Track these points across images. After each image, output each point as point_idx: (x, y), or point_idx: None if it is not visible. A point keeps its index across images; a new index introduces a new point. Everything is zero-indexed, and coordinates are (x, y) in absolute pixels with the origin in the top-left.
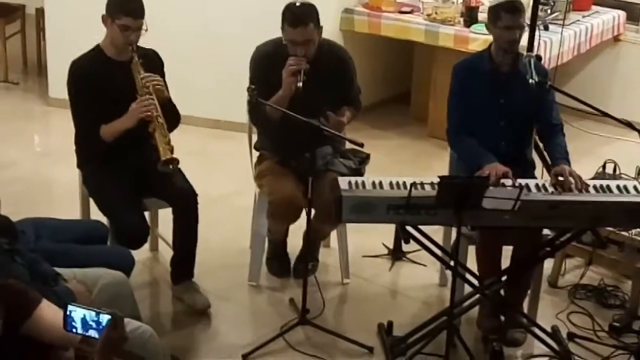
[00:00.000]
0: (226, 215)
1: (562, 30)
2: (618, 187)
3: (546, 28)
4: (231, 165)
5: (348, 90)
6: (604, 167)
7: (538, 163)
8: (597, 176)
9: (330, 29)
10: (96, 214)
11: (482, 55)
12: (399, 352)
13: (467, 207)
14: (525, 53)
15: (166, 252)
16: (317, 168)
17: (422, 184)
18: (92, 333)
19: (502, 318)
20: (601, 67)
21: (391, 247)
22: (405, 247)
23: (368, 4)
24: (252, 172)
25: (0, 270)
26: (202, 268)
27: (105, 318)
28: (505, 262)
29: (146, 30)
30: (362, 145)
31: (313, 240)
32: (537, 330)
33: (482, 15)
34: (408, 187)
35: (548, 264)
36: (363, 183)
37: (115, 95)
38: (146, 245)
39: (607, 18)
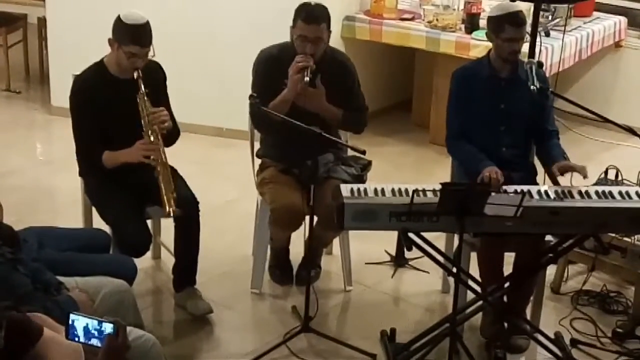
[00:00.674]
0: (229, 223)
1: (563, 37)
2: (620, 193)
3: (547, 34)
4: (234, 173)
5: (350, 97)
6: (606, 173)
7: (540, 169)
8: (599, 182)
9: (332, 36)
10: (98, 223)
11: (481, 61)
12: (402, 359)
13: (469, 214)
14: (526, 59)
15: (168, 260)
16: (319, 175)
17: (424, 190)
18: (95, 342)
19: (505, 325)
20: (603, 73)
21: (393, 254)
22: (407, 254)
23: (369, 12)
24: (254, 180)
25: (3, 280)
26: (204, 276)
27: (108, 327)
28: (507, 269)
29: (153, 55)
30: (364, 152)
31: (315, 247)
32: (540, 337)
33: (483, 22)
34: (410, 194)
35: (551, 270)
36: (365, 190)
37: (117, 114)
38: (148, 254)
39: (608, 24)
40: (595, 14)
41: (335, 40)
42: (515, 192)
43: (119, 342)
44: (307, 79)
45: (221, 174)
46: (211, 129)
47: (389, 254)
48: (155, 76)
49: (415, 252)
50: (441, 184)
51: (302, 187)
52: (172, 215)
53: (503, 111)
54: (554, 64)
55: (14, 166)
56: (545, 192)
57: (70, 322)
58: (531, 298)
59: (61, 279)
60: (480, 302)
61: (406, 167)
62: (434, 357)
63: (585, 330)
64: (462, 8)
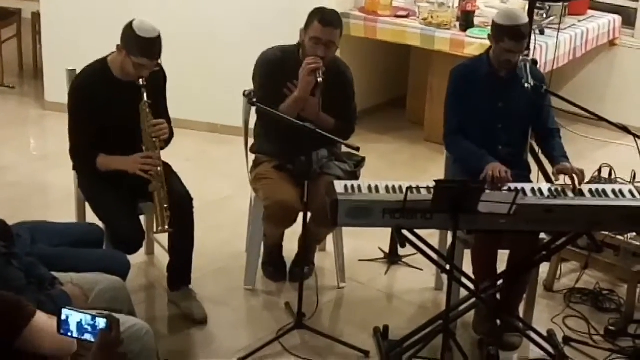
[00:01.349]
0: (222, 219)
1: (557, 35)
2: (614, 191)
3: (542, 32)
4: (228, 170)
5: (343, 105)
6: (599, 171)
7: (533, 167)
8: (593, 180)
9: None
10: (92, 218)
11: (481, 58)
12: (395, 356)
13: (463, 211)
14: (521, 57)
15: (162, 256)
16: (313, 171)
17: (418, 188)
18: (88, 337)
19: (498, 322)
20: (597, 71)
21: (387, 251)
22: (401, 251)
23: (364, 9)
24: (248, 176)
25: None
26: (198, 272)
27: (101, 322)
28: (501, 266)
29: (160, 65)
30: (358, 149)
31: (309, 244)
32: (532, 334)
33: (478, 20)
34: (404, 191)
35: (544, 268)
36: (359, 187)
37: (115, 116)
38: (142, 249)
39: (602, 22)
40: (590, 12)
41: None
42: (509, 189)
43: (112, 337)
44: (319, 79)
45: (215, 171)
46: (205, 125)
47: (382, 251)
48: (156, 77)
49: (408, 249)
50: (435, 181)
51: (296, 183)
52: (163, 232)
53: (501, 109)
54: (548, 62)
55: (7, 161)
56: (539, 189)
57: (63, 317)
58: (524, 295)
59: (56, 274)
60: (473, 300)
61: (400, 164)
62: (427, 354)
63: (577, 328)
64: (457, 6)
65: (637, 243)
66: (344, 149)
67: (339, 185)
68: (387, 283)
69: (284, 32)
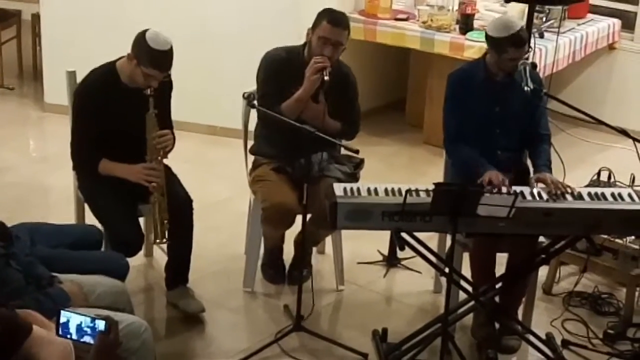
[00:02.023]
0: (221, 221)
1: (557, 38)
2: (613, 194)
3: (541, 36)
4: (227, 172)
5: (347, 107)
6: (598, 174)
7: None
8: (592, 184)
9: None
10: (91, 219)
11: (478, 63)
12: (394, 359)
13: (462, 214)
14: (520, 61)
15: (161, 258)
16: (312, 174)
17: (417, 190)
18: (87, 339)
19: (497, 325)
20: (596, 75)
21: (386, 253)
22: (400, 254)
23: (364, 11)
24: (247, 178)
25: None
26: (197, 274)
27: (100, 324)
28: (499, 269)
29: (169, 76)
30: (357, 151)
31: (306, 246)
32: (531, 338)
33: (478, 23)
34: (403, 193)
35: (543, 271)
36: (358, 190)
37: (119, 121)
38: (141, 251)
39: (602, 26)
40: (590, 15)
41: None
42: (508, 192)
43: (110, 339)
44: (326, 78)
45: (214, 173)
46: (205, 128)
47: (381, 253)
48: (163, 85)
49: (407, 252)
50: (434, 184)
51: (295, 185)
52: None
53: (498, 114)
54: (548, 66)
55: (6, 163)
56: (538, 193)
57: (63, 320)
58: (523, 299)
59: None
60: (472, 303)
61: (399, 167)
62: (426, 357)
63: (576, 331)
64: (457, 9)
65: (636, 246)
66: (343, 151)
67: (338, 188)
68: (386, 286)
69: (284, 34)
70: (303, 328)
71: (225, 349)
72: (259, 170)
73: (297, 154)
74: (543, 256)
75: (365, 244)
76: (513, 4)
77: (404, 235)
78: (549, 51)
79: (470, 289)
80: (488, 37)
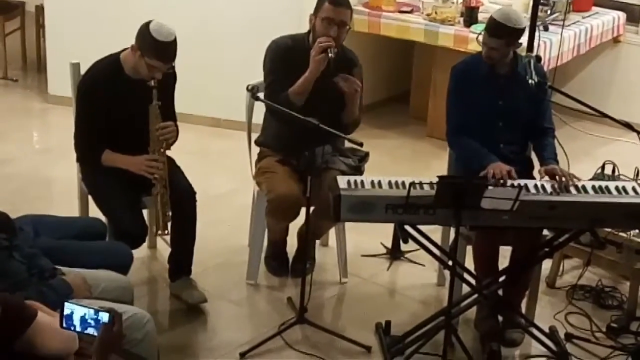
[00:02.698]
0: (225, 214)
1: (562, 31)
2: (617, 188)
3: (546, 29)
4: (231, 164)
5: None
6: (602, 168)
7: (536, 163)
8: (596, 177)
9: None
10: (94, 211)
11: (480, 56)
12: (397, 352)
13: (465, 207)
14: (524, 54)
15: (164, 250)
16: (316, 166)
17: (421, 183)
18: (91, 331)
19: (500, 318)
20: (601, 68)
21: (389, 246)
22: (403, 247)
23: (368, 4)
24: (250, 170)
25: None
26: (200, 266)
27: (104, 316)
28: (503, 262)
29: (173, 67)
30: (361, 144)
31: (310, 239)
32: (534, 331)
33: (482, 15)
34: (407, 186)
35: (546, 265)
36: (362, 182)
37: (122, 113)
38: (144, 243)
39: (607, 19)
40: (594, 9)
41: None
42: (512, 186)
43: (114, 331)
44: (331, 55)
45: (218, 165)
46: (209, 120)
47: (384, 246)
48: (166, 77)
49: (411, 245)
50: (438, 177)
51: (300, 177)
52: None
53: (501, 107)
54: (552, 59)
55: (10, 154)
56: (542, 186)
57: (66, 312)
58: (526, 292)
59: (63, 269)
60: (475, 296)
61: (403, 160)
62: (429, 350)
63: (580, 324)
64: (461, 1)
65: None
66: (347, 144)
67: (342, 181)
68: (389, 279)
69: (286, 25)
70: (306, 320)
71: (228, 341)
72: (264, 162)
73: (302, 146)
74: (547, 249)
75: (368, 237)
76: None
77: (408, 228)
78: (554, 44)
79: (473, 282)
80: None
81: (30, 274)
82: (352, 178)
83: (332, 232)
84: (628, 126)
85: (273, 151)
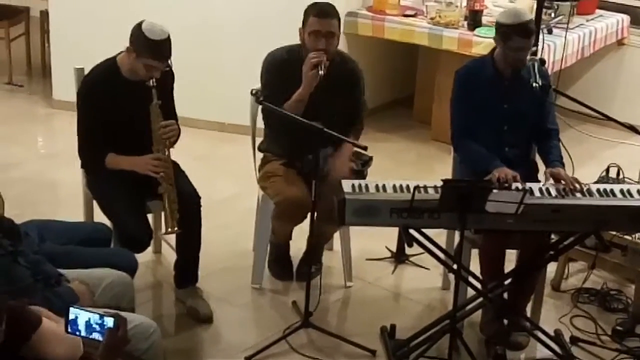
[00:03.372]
0: (230, 218)
1: (566, 34)
2: (622, 191)
3: (550, 32)
4: (235, 168)
5: (354, 105)
6: (607, 171)
7: (541, 166)
8: (601, 180)
9: None
10: (100, 216)
11: (485, 60)
12: (402, 356)
13: (470, 211)
14: (529, 57)
15: (169, 255)
16: (320, 170)
17: (425, 187)
18: (96, 336)
19: (505, 321)
20: (605, 71)
21: (394, 250)
22: (408, 250)
23: (372, 7)
24: (255, 175)
25: (3, 272)
26: (205, 270)
27: (109, 321)
28: (509, 266)
29: (170, 66)
30: (365, 148)
31: (317, 243)
32: (540, 334)
33: (486, 19)
34: (411, 190)
35: (551, 268)
36: (366, 186)
37: (123, 115)
38: (149, 248)
39: (611, 22)
40: (598, 11)
41: None
42: (517, 189)
43: (119, 336)
44: (321, 72)
45: (223, 169)
46: (213, 124)
47: (389, 250)
48: (164, 76)
49: (415, 249)
50: (443, 180)
51: (305, 180)
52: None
53: (506, 111)
54: (556, 62)
55: (15, 159)
56: (547, 189)
57: (71, 317)
58: (532, 295)
59: (62, 271)
60: (480, 299)
61: (407, 164)
62: (434, 354)
63: (585, 328)
64: (465, 5)
65: None
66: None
67: (347, 184)
68: (394, 282)
69: (289, 29)
70: (311, 324)
71: (233, 345)
72: (269, 166)
73: (305, 151)
74: (552, 253)
75: (373, 241)
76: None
77: (412, 231)
78: (558, 47)
79: (478, 285)
80: (496, 24)
81: (35, 280)
82: (356, 182)
83: (336, 235)
84: (632, 129)
85: (276, 156)
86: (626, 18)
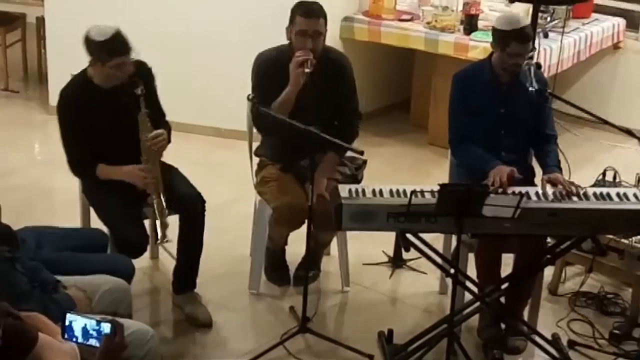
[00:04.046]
0: (227, 223)
1: (562, 38)
2: (618, 194)
3: (546, 35)
4: (232, 174)
5: (347, 99)
6: (603, 174)
7: (538, 170)
8: (597, 183)
9: (330, 37)
10: (96, 222)
11: (482, 64)
12: None
13: (467, 215)
14: (525, 61)
15: (167, 260)
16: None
17: (422, 191)
18: (93, 342)
19: (503, 326)
20: (601, 74)
21: (391, 254)
22: (405, 255)
23: (368, 12)
24: (252, 180)
25: (1, 278)
26: (202, 276)
27: (106, 327)
28: (506, 270)
29: (141, 61)
30: (362, 153)
31: (315, 248)
32: (537, 338)
33: (482, 23)
34: (408, 194)
35: (548, 272)
36: (363, 191)
37: (106, 125)
38: (146, 253)
39: (606, 26)
40: (594, 15)
41: (334, 41)
42: (514, 193)
43: (116, 342)
44: (307, 70)
45: (219, 175)
46: (210, 130)
47: (386, 254)
48: (144, 77)
49: (413, 253)
50: (439, 184)
51: (301, 185)
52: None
53: (503, 115)
54: (553, 66)
55: (12, 166)
56: (544, 193)
57: (67, 322)
58: (529, 300)
59: (60, 278)
60: (477, 303)
61: (404, 168)
62: (432, 358)
63: (582, 331)
64: (461, 9)
65: None
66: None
67: (343, 189)
68: (392, 287)
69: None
70: (308, 329)
71: (231, 350)
72: (265, 171)
73: (302, 155)
74: (548, 256)
75: (370, 245)
76: (517, 4)
77: (409, 236)
78: (554, 51)
79: (475, 289)
80: (493, 30)
81: (32, 286)
82: (353, 187)
83: (333, 240)
84: (628, 132)
85: (273, 160)
86: (622, 22)
